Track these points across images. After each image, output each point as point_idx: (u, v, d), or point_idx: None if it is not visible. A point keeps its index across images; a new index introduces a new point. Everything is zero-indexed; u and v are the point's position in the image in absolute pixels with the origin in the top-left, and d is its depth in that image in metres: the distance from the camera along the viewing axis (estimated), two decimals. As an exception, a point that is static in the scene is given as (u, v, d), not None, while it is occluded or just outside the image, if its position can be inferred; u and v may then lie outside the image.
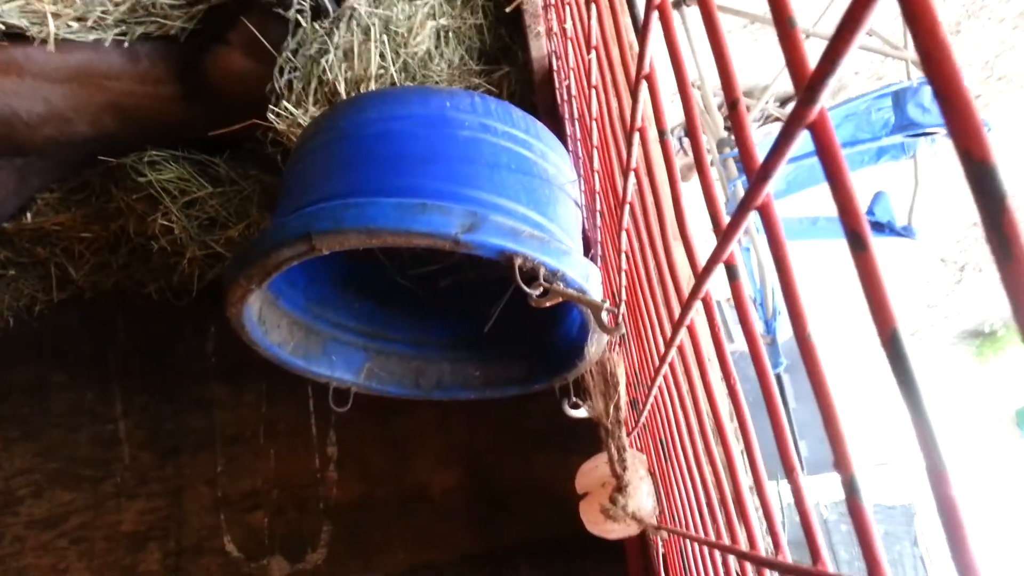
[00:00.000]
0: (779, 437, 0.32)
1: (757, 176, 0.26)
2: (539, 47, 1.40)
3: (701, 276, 0.36)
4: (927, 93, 1.91)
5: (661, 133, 0.40)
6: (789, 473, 0.31)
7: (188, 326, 2.02)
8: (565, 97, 1.15)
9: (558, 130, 1.26)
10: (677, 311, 0.49)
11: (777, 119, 2.88)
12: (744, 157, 0.28)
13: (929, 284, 5.53)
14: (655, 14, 0.36)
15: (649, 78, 0.41)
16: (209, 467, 1.91)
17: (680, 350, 0.51)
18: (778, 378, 3.40)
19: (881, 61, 3.03)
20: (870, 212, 2.28)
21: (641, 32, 0.38)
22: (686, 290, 0.48)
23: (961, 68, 0.16)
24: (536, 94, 1.54)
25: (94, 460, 1.89)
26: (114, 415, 1.92)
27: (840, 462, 0.25)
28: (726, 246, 0.32)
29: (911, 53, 2.47)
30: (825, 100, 0.21)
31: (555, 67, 1.32)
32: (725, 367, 0.38)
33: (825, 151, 0.22)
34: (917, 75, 2.10)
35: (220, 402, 1.97)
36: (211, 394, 1.97)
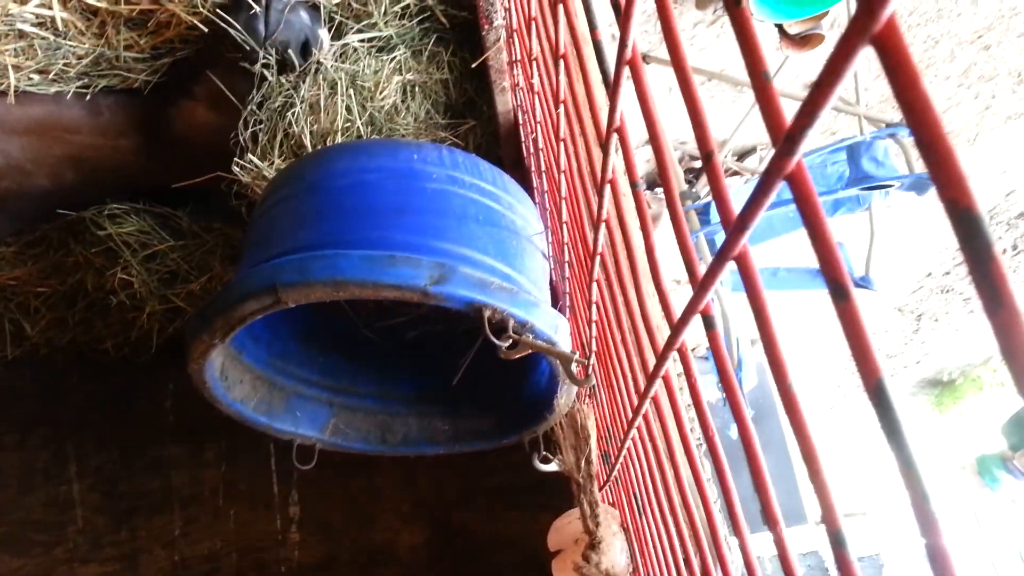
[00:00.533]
0: (761, 488, 0.31)
1: (735, 227, 0.26)
2: (504, 102, 1.42)
3: (678, 326, 0.36)
4: (880, 147, 1.98)
5: (634, 184, 0.40)
6: (773, 527, 0.31)
7: (146, 383, 1.96)
8: (531, 150, 1.17)
9: (524, 182, 1.27)
10: (651, 361, 0.49)
11: (736, 172, 2.95)
12: (720, 208, 0.28)
13: (887, 334, 5.64)
14: (626, 69, 0.37)
15: (620, 131, 0.41)
16: (166, 530, 1.84)
17: (654, 401, 0.50)
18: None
19: (834, 117, 3.14)
20: (829, 263, 2.33)
21: (612, 86, 0.38)
22: (660, 340, 0.48)
23: (942, 120, 0.16)
24: (502, 147, 1.55)
25: (46, 524, 1.81)
26: (68, 476, 1.84)
27: (827, 516, 0.25)
28: (703, 296, 0.32)
29: (863, 108, 2.57)
30: (799, 153, 0.22)
31: (521, 121, 1.34)
32: (703, 419, 0.38)
33: (804, 202, 0.22)
34: (870, 129, 2.18)
35: (178, 461, 1.90)
36: (169, 453, 1.91)
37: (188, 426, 1.93)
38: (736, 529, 0.50)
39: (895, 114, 3.22)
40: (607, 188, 0.47)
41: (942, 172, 0.16)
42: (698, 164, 2.88)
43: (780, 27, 2.49)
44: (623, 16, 0.34)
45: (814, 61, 2.81)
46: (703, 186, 2.84)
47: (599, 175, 0.49)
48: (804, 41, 2.47)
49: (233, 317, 1.02)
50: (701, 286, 0.31)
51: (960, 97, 3.46)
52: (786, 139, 0.21)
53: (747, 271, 0.27)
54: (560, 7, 0.50)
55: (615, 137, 0.42)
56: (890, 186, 1.96)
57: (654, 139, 0.36)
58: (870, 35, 0.17)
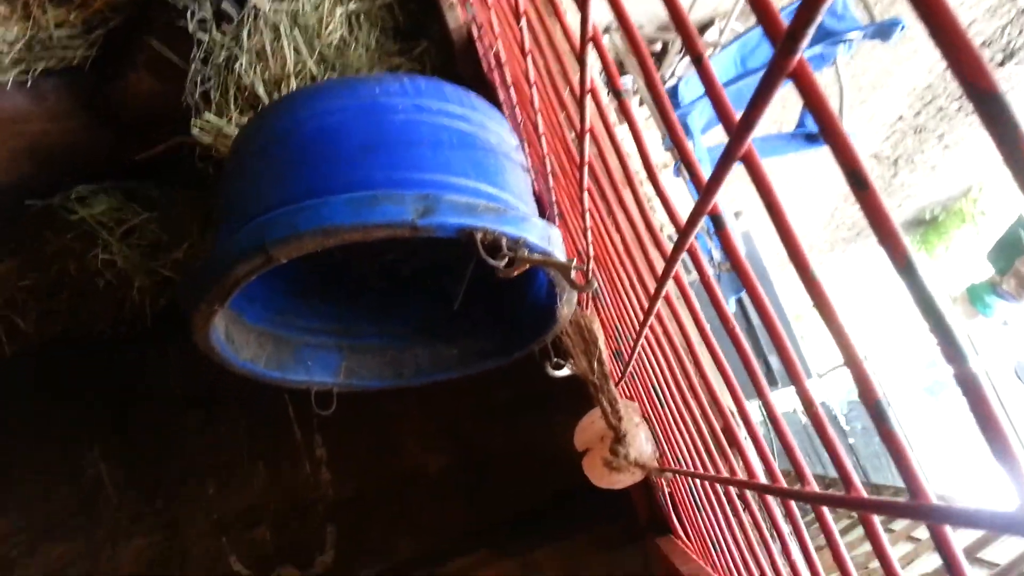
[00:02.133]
0: (780, 347, 0.33)
1: (739, 127, 0.26)
2: (455, 18, 1.37)
3: (686, 229, 0.36)
4: (840, 1, 1.94)
5: (617, 93, 0.40)
6: (797, 382, 0.32)
7: (148, 357, 1.97)
8: (493, 64, 1.14)
9: (490, 97, 1.25)
10: (658, 262, 0.50)
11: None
12: (718, 108, 0.28)
13: (865, 183, 5.66)
14: (596, -24, 0.36)
15: (595, 39, 0.41)
16: (200, 493, 1.89)
17: (666, 298, 0.51)
18: (739, 302, 3.48)
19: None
20: (802, 124, 2.32)
21: (583, -3, 0.38)
22: (663, 239, 0.49)
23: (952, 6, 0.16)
24: (458, 64, 1.51)
25: (81, 508, 1.85)
26: (91, 459, 1.87)
27: (864, 389, 0.26)
28: (711, 197, 0.32)
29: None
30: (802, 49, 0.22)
31: (477, 35, 1.30)
32: (723, 315, 0.39)
33: (810, 96, 0.22)
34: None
35: (196, 427, 1.93)
36: (185, 420, 1.93)
37: (198, 392, 1.95)
38: (758, 388, 0.51)
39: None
40: (588, 99, 0.47)
41: (960, 56, 0.16)
42: (656, 48, 2.83)
43: None
44: (587, -77, 0.33)
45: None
46: (666, 68, 2.79)
47: (576, 84, 0.48)
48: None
49: (227, 282, 1.01)
50: (708, 188, 0.31)
51: None
52: (788, 37, 0.21)
53: (755, 170, 0.27)
54: (510, -84, 0.48)
55: (591, 47, 0.42)
56: (852, 39, 1.93)
57: (631, 37, 0.35)
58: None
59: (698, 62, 0.28)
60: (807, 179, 5.15)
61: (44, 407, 1.93)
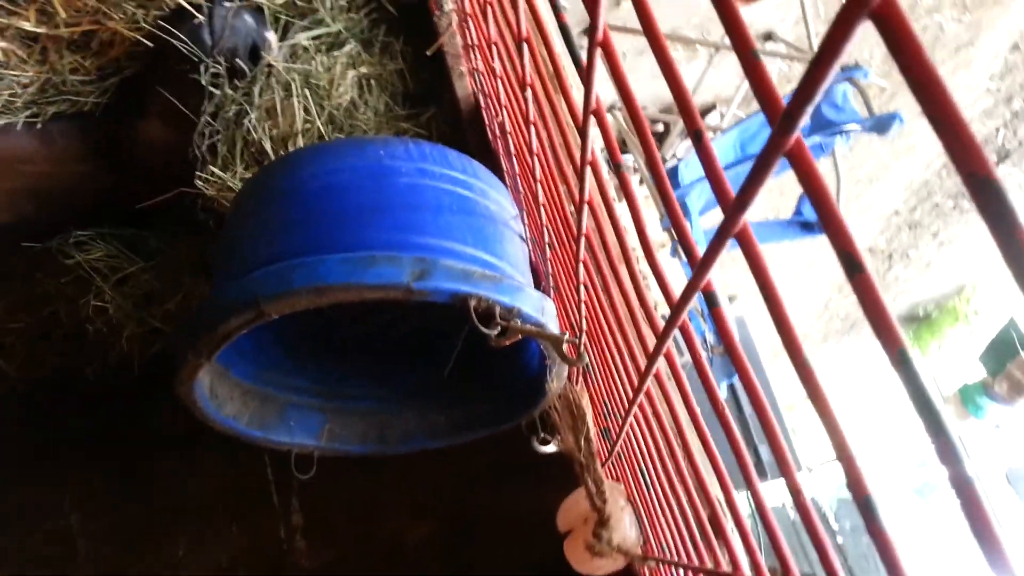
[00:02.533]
0: (772, 437, 0.32)
1: (734, 205, 0.26)
2: (463, 87, 1.40)
3: (679, 304, 0.36)
4: (839, 92, 2.00)
5: (617, 166, 0.40)
6: (787, 473, 0.31)
7: (133, 406, 1.93)
8: (498, 133, 1.16)
9: (493, 166, 1.26)
10: (649, 337, 0.49)
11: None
12: (714, 184, 0.28)
13: (861, 274, 5.70)
14: (599, 51, 0.37)
15: (597, 113, 0.41)
16: (171, 551, 1.83)
17: (656, 376, 0.50)
18: (731, 388, 3.46)
19: (789, 65, 3.15)
20: (799, 212, 2.36)
21: (587, 69, 0.38)
22: (656, 315, 0.48)
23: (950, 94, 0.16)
24: (465, 133, 1.54)
25: (51, 559, 1.79)
26: (66, 508, 1.82)
27: (855, 484, 0.25)
28: (705, 272, 0.32)
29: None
30: (799, 128, 0.22)
31: (483, 105, 1.33)
32: (708, 383, 0.38)
33: (807, 177, 0.22)
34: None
35: (175, 481, 1.89)
36: (165, 473, 1.89)
37: (181, 444, 1.91)
38: (747, 478, 0.50)
39: (847, 58, 3.24)
40: (587, 170, 0.47)
41: (957, 145, 0.15)
42: (659, 128, 2.89)
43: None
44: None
45: (762, 13, 2.82)
46: (667, 149, 2.84)
47: (577, 156, 0.48)
48: (752, -6, 2.48)
49: (217, 335, 1.00)
50: (701, 265, 0.31)
51: (844, 52, 3.50)
52: (785, 116, 0.21)
53: (749, 247, 0.27)
54: (520, -8, 0.49)
55: (592, 119, 0.42)
56: (852, 130, 1.97)
57: (633, 114, 0.35)
58: (869, 9, 0.16)
59: (697, 138, 0.28)
60: (801, 268, 5.19)
61: (25, 452, 1.89)
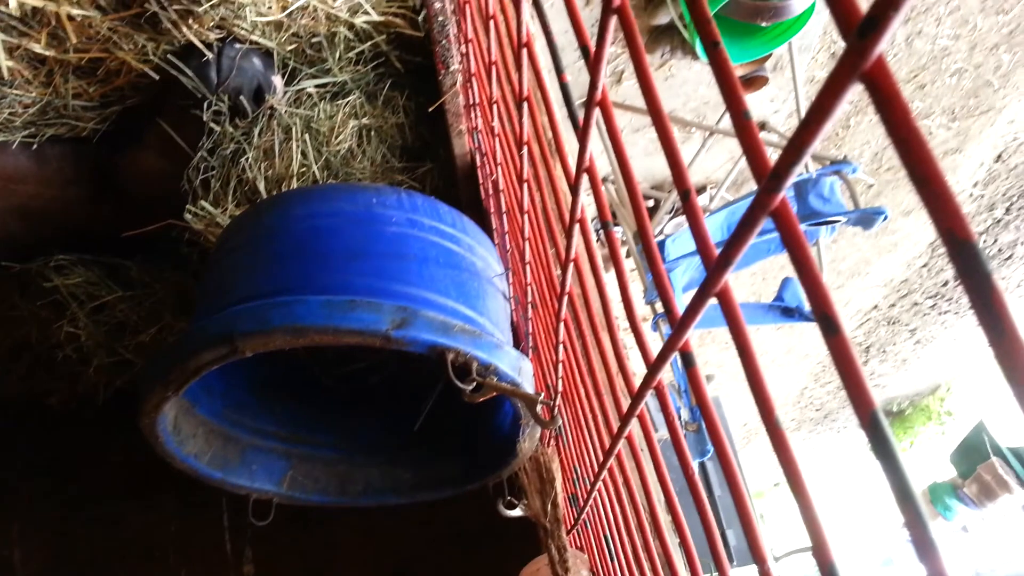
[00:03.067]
0: (746, 522, 0.31)
1: (718, 263, 0.26)
2: (461, 144, 1.43)
3: (656, 363, 0.36)
4: (827, 183, 2.05)
5: (605, 224, 0.40)
6: (760, 562, 0.30)
7: (93, 438, 1.89)
8: (491, 192, 1.17)
9: (483, 223, 1.27)
10: (624, 399, 0.49)
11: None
12: (699, 244, 0.28)
13: (835, 368, 5.75)
14: (596, 111, 0.37)
15: (590, 171, 0.42)
16: (113, 592, 1.76)
17: (628, 439, 0.50)
18: (702, 466, 3.43)
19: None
20: (779, 299, 2.38)
21: (583, 128, 0.39)
22: (631, 378, 0.48)
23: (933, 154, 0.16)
24: (459, 189, 1.56)
25: (-16, 592, 1.71)
26: (10, 539, 1.75)
27: (819, 550, 0.25)
28: (683, 333, 0.32)
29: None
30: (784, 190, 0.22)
31: (479, 163, 1.35)
32: (683, 456, 0.38)
33: (790, 236, 0.22)
34: (815, 167, 2.26)
35: (127, 520, 1.82)
36: (117, 511, 1.83)
37: (137, 483, 1.85)
38: (719, 566, 0.49)
39: (838, 152, 3.34)
40: (576, 228, 0.48)
41: (939, 204, 0.16)
42: (650, 204, 2.94)
43: (724, 71, 2.57)
44: (594, 59, 0.34)
45: (759, 101, 2.91)
46: (656, 224, 2.89)
47: (567, 215, 0.49)
48: (749, 83, 2.56)
49: (188, 368, 0.99)
50: (681, 324, 0.31)
51: (833, 117, 3.62)
52: (772, 176, 0.21)
53: (729, 307, 0.27)
54: (524, 51, 0.50)
55: (585, 177, 0.42)
56: (837, 221, 2.02)
57: (626, 177, 0.36)
58: (859, 73, 0.17)
59: (685, 197, 0.28)
60: (779, 354, 5.23)
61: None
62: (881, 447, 0.20)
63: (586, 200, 0.49)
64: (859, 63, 0.17)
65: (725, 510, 3.20)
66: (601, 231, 2.91)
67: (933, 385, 6.84)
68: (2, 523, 1.77)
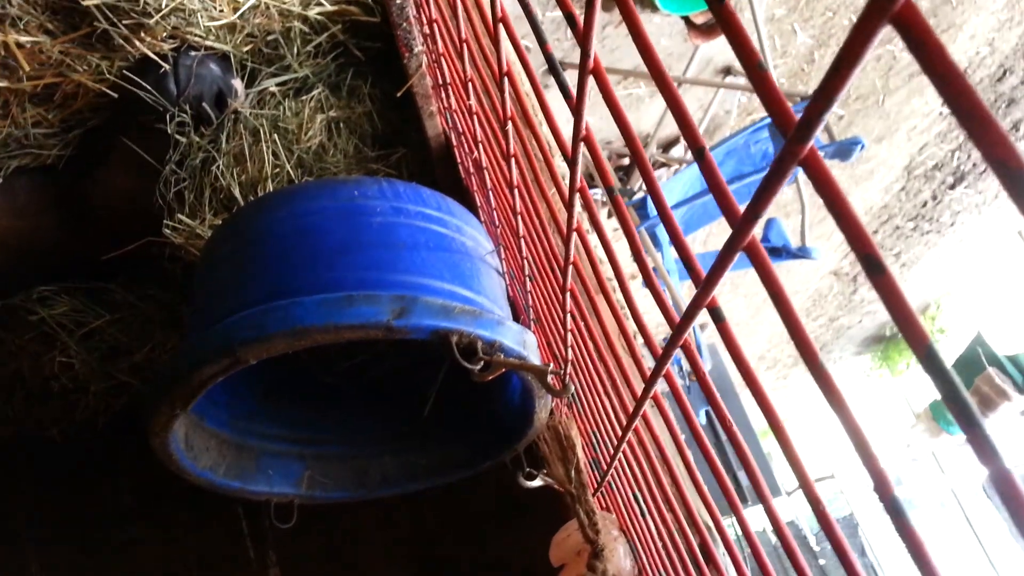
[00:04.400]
0: (747, 466, 0.31)
1: (745, 217, 0.26)
2: (434, 126, 1.41)
3: (682, 324, 0.36)
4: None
5: (610, 190, 0.40)
6: (764, 500, 0.31)
7: (98, 465, 1.87)
8: (471, 170, 1.17)
9: (465, 202, 1.27)
10: (646, 359, 0.49)
11: (664, 164, 3.02)
12: (721, 203, 0.28)
13: (827, 299, 5.83)
14: (590, 78, 0.37)
15: (588, 139, 0.41)
16: (143, 613, 1.76)
17: (655, 398, 0.50)
18: (707, 415, 3.47)
19: (748, 97, 3.24)
20: (766, 239, 2.40)
21: (577, 99, 0.38)
22: (654, 339, 0.48)
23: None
24: (436, 170, 1.55)
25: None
26: (30, 573, 1.74)
27: (880, 484, 0.25)
28: (710, 290, 0.32)
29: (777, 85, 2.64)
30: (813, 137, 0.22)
31: (455, 142, 1.34)
32: (695, 428, 0.38)
33: (823, 184, 0.22)
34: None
35: (145, 541, 1.82)
36: (133, 534, 1.82)
37: (149, 503, 1.85)
38: (732, 506, 0.50)
39: (805, 87, 3.34)
40: (576, 197, 0.47)
41: (988, 135, 0.16)
42: (626, 162, 2.94)
43: (687, 19, 2.56)
44: (585, 26, 0.34)
45: (722, 48, 2.90)
46: (635, 181, 2.89)
47: (564, 185, 0.49)
48: (710, 30, 2.55)
49: (192, 384, 0.98)
50: (708, 280, 0.31)
51: (864, 60, 3.63)
52: (802, 124, 0.21)
53: (759, 258, 0.27)
54: (501, 26, 0.49)
55: (582, 147, 0.42)
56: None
57: (630, 141, 0.36)
58: (890, 15, 0.17)
59: (699, 155, 0.28)
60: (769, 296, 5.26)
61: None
62: (939, 376, 0.21)
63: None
64: (889, 6, 0.17)
65: (734, 454, 3.25)
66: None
67: (923, 305, 6.94)
68: (21, 560, 1.76)
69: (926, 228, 5.46)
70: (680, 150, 3.04)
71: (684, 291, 2.51)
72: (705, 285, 0.31)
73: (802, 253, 2.37)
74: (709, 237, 4.10)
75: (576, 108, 0.39)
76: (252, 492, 1.27)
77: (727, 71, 2.92)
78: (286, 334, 0.94)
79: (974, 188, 5.19)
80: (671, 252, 2.17)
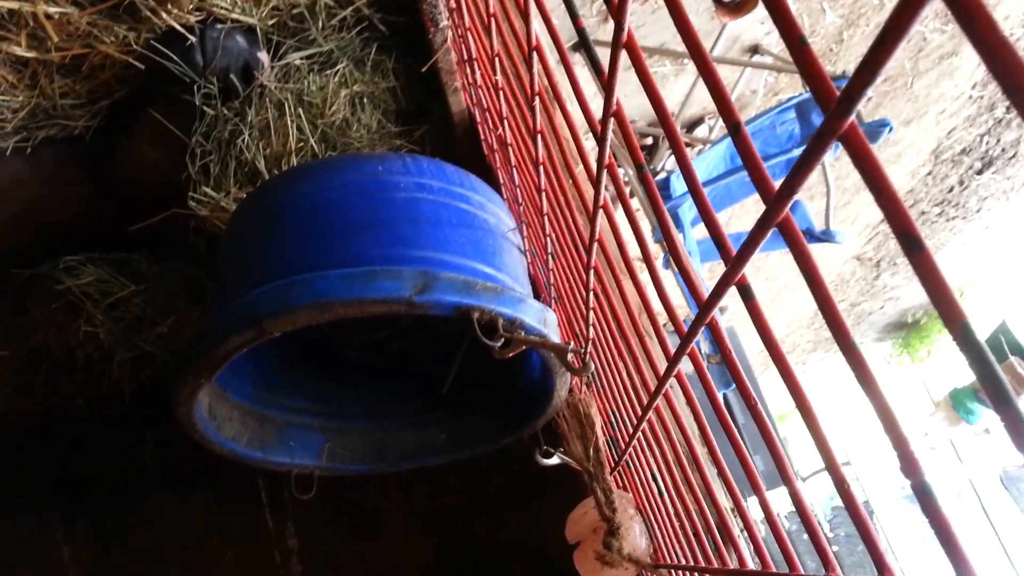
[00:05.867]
0: (773, 448, 0.31)
1: (780, 192, 0.26)
2: (458, 102, 1.41)
3: (710, 301, 0.36)
4: (828, 103, 2.01)
5: (640, 167, 0.40)
6: (789, 482, 0.31)
7: (123, 436, 1.90)
8: (495, 146, 1.16)
9: (487, 179, 1.27)
10: (671, 336, 0.49)
11: (688, 144, 2.98)
12: (755, 178, 0.28)
13: (849, 284, 5.77)
14: (623, 52, 0.37)
15: (618, 115, 0.41)
16: (164, 580, 1.80)
17: (678, 377, 0.50)
18: (725, 397, 3.46)
19: (775, 77, 3.19)
20: (789, 222, 2.37)
21: (610, 72, 0.38)
22: (679, 317, 0.48)
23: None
24: (459, 147, 1.54)
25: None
26: (56, 541, 1.78)
27: (909, 467, 0.25)
28: (740, 267, 0.32)
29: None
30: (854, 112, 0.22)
31: (479, 118, 1.33)
32: (719, 409, 0.38)
33: (863, 160, 0.22)
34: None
35: (167, 511, 1.85)
36: (156, 504, 1.86)
37: (172, 474, 1.88)
38: (755, 486, 0.50)
39: (833, 67, 3.28)
40: (604, 174, 0.47)
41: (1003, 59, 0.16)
42: (648, 142, 2.91)
43: (713, -4, 2.52)
44: (619, 0, 0.33)
45: (748, 27, 2.86)
46: (658, 161, 2.87)
47: (593, 162, 0.48)
48: (738, 8, 2.51)
49: (217, 355, 0.99)
50: (738, 257, 0.31)
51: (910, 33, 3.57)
52: (843, 99, 0.21)
53: (793, 236, 0.27)
54: (532, 1, 0.49)
55: (612, 122, 0.42)
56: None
57: (663, 117, 0.36)
58: (940, -16, 0.17)
59: (736, 131, 0.28)
60: (791, 278, 5.23)
61: (12, 484, 1.86)
62: (974, 353, 0.20)
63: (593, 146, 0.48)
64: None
65: (750, 437, 3.24)
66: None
67: (946, 291, 6.84)
68: (46, 529, 1.80)
69: (952, 214, 5.38)
70: (704, 130, 3.01)
71: (704, 273, 2.49)
72: (735, 262, 0.31)
73: (826, 236, 2.34)
74: (731, 220, 4.07)
75: (608, 83, 0.39)
76: (273, 463, 1.29)
77: (754, 50, 2.88)
78: (310, 307, 0.95)
79: (1002, 174, 5.09)
80: (691, 233, 2.16)
